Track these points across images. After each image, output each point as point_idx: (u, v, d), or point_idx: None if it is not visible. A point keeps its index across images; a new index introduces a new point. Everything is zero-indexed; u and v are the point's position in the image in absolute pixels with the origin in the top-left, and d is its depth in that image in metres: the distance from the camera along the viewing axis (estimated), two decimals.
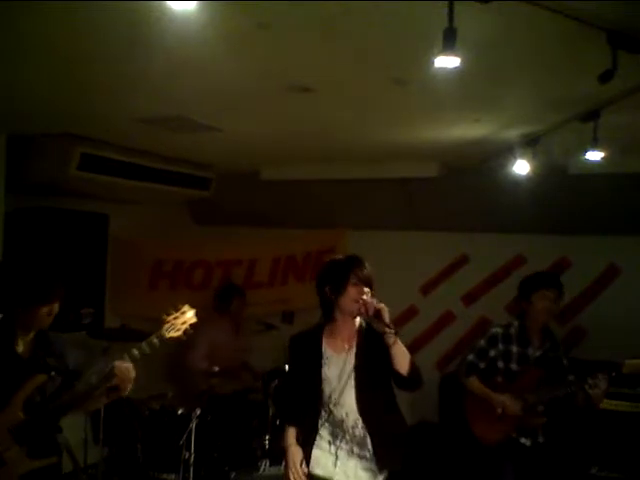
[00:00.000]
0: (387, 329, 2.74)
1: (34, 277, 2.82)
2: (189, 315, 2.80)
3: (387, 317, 2.76)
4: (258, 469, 4.63)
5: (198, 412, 4.55)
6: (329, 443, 2.88)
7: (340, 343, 2.91)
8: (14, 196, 4.72)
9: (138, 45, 2.63)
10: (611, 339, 5.01)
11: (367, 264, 2.92)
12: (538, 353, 3.73)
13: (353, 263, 2.90)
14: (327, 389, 2.86)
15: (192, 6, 1.97)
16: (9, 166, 4.57)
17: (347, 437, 2.85)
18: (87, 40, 2.62)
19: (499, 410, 3.65)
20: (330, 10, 2.23)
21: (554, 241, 5.55)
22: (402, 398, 3.01)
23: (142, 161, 5.19)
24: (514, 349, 3.74)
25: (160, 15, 2.22)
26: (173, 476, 4.53)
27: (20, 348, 2.75)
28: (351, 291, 2.83)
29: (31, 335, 2.79)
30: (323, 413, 2.88)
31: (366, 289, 2.82)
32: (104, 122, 4.23)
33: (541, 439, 3.72)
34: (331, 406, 2.85)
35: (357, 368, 2.84)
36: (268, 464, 4.69)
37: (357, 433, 2.84)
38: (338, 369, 2.86)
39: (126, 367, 2.69)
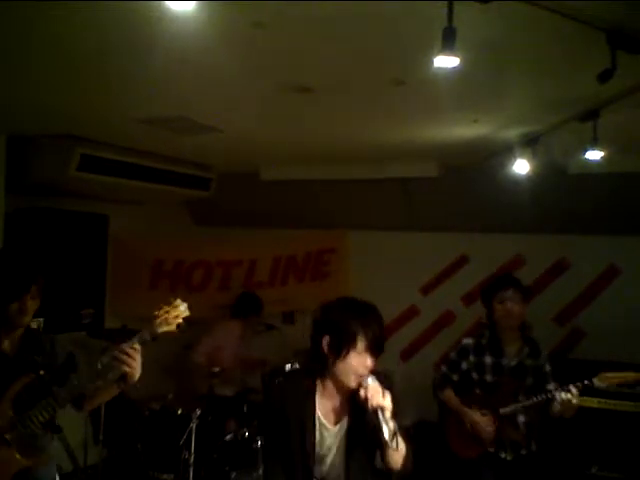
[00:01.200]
0: (385, 432, 2.24)
1: (10, 269, 2.75)
2: (182, 308, 2.68)
3: (389, 417, 2.26)
4: (258, 469, 4.63)
5: (198, 412, 4.55)
6: None
7: (333, 411, 2.44)
8: (14, 196, 4.72)
9: (138, 46, 2.63)
10: (610, 340, 5.01)
11: (382, 321, 2.38)
12: (514, 362, 3.54)
13: (367, 319, 2.35)
14: (316, 465, 2.41)
15: (191, 6, 1.97)
16: (9, 166, 4.57)
17: None
18: (87, 41, 2.62)
19: (468, 426, 3.55)
20: (329, 10, 2.23)
21: (554, 241, 5.56)
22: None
23: (142, 161, 5.19)
24: (487, 360, 3.58)
25: (160, 15, 2.22)
26: (173, 476, 4.53)
27: (6, 346, 2.73)
28: (354, 361, 2.32)
29: (17, 333, 2.76)
30: None
31: (370, 363, 2.34)
32: (104, 123, 4.24)
33: (524, 452, 3.54)
34: None
35: (349, 443, 2.41)
36: None
37: None
38: (331, 444, 2.43)
39: (131, 349, 2.62)
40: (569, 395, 3.18)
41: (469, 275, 5.99)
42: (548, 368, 3.56)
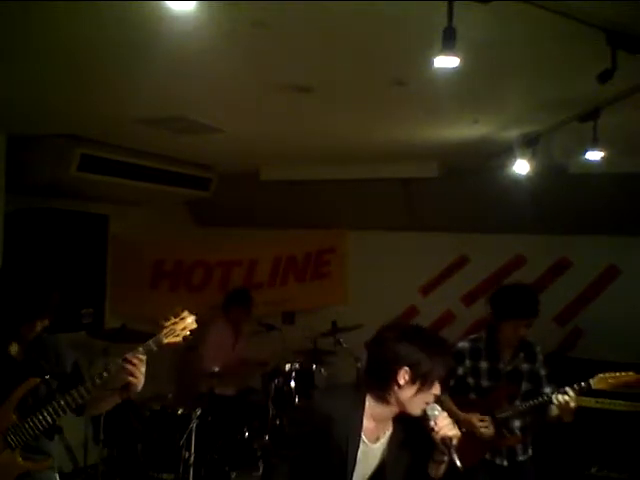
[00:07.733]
0: (452, 459, 2.23)
1: (30, 292, 2.70)
2: (189, 321, 2.71)
3: (454, 446, 2.25)
4: (258, 469, 4.63)
5: (198, 412, 4.56)
6: None
7: (376, 429, 2.38)
8: (14, 197, 4.72)
9: (139, 46, 2.63)
10: (610, 340, 5.01)
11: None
12: (510, 367, 3.46)
13: (446, 357, 2.35)
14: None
15: (191, 6, 1.97)
16: (9, 167, 4.57)
17: None
18: (87, 41, 2.62)
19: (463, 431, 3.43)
20: (329, 10, 2.24)
21: (554, 241, 5.56)
22: None
23: (142, 161, 5.19)
24: (483, 364, 3.49)
25: (160, 15, 2.23)
26: (173, 476, 4.53)
27: (14, 350, 2.72)
28: (427, 393, 2.29)
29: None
30: None
31: (438, 391, 2.31)
32: (104, 123, 4.24)
33: (521, 457, 3.46)
34: None
35: (388, 463, 2.37)
36: None
37: None
38: (369, 463, 2.38)
39: (137, 359, 2.61)
40: (566, 397, 3.10)
41: (469, 275, 5.99)
42: (543, 372, 3.49)
